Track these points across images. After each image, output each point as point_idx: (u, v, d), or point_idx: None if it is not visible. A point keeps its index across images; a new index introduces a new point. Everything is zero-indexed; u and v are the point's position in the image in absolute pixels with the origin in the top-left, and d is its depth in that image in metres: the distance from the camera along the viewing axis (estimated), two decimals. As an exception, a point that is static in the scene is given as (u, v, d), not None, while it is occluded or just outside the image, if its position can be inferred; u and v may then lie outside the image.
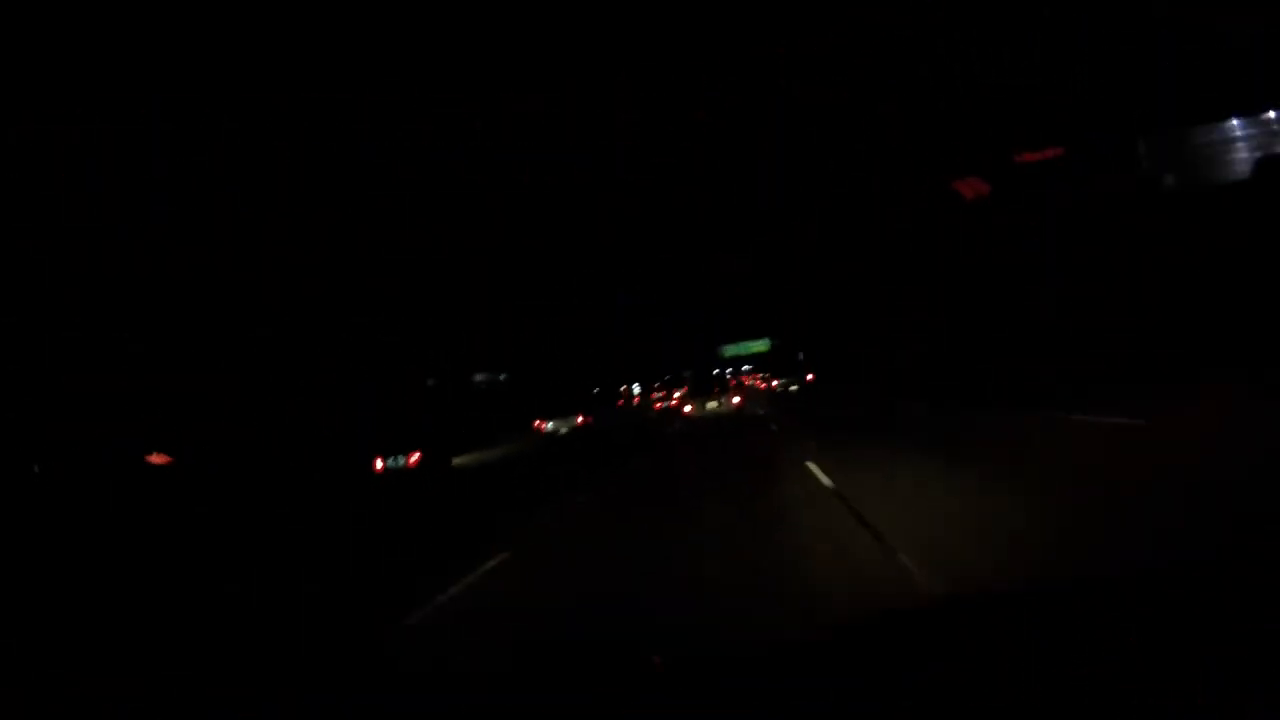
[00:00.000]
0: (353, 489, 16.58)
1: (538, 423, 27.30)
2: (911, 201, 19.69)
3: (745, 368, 66.21)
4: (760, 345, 49.71)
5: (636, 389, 60.06)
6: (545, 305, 35.77)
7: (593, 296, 39.04)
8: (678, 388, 32.85)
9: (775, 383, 43.49)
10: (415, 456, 17.15)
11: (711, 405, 22.79)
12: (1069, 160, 15.78)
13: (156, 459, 18.76)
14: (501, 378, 39.43)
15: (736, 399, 23.44)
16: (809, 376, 40.68)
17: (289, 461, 20.19)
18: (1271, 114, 14.35)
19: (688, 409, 23.67)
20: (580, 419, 27.44)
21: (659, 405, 27.48)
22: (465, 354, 34.87)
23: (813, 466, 8.45)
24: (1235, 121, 14.47)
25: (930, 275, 23.71)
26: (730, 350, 49.27)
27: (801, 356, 48.92)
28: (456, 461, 20.69)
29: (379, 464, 17.33)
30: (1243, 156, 14.69)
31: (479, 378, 37.59)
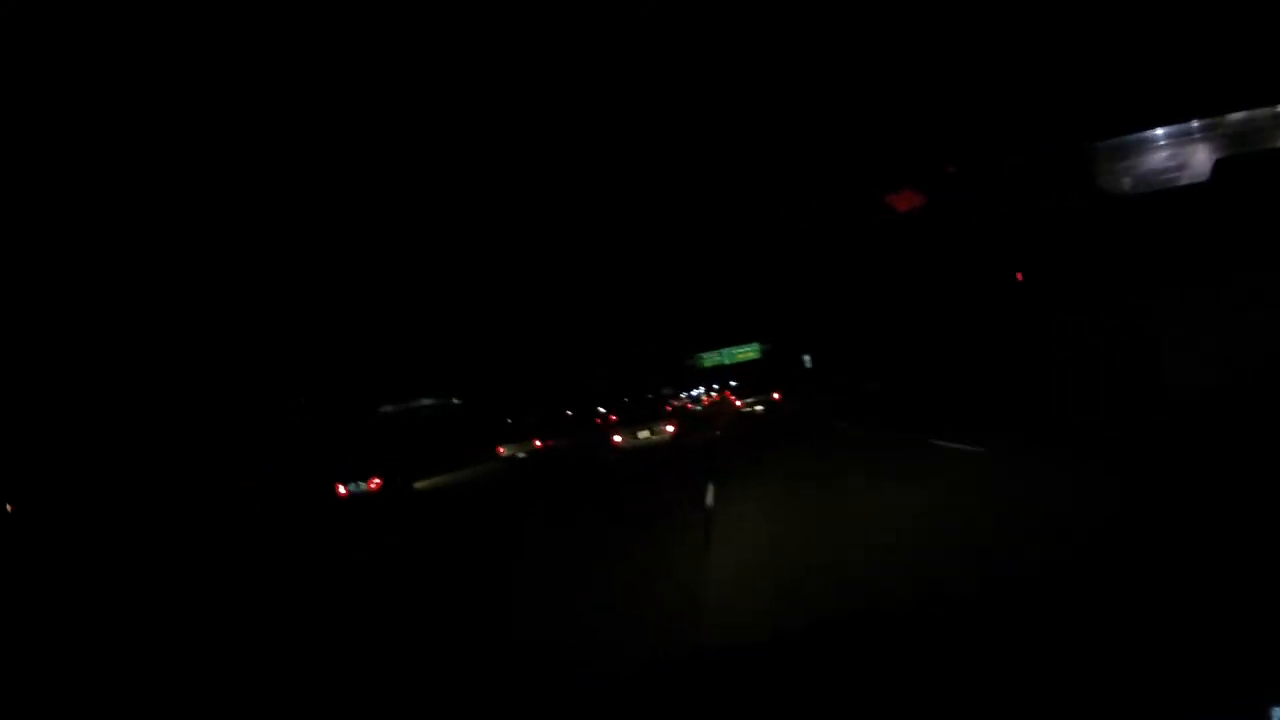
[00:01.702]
0: (319, 513, 16.97)
1: (500, 448, 28.18)
2: (846, 211, 19.98)
3: (732, 383, 55.62)
4: (749, 352, 43.57)
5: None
6: (518, 321, 36.00)
7: (573, 309, 38.67)
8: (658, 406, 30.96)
9: (740, 403, 37.27)
10: (376, 482, 17.49)
11: (644, 435, 21.21)
12: (1010, 170, 15.77)
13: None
14: (455, 401, 38.94)
15: (670, 427, 21.73)
16: (775, 395, 34.81)
17: (265, 487, 20.70)
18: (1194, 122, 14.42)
19: (617, 439, 21.65)
20: (538, 443, 28.02)
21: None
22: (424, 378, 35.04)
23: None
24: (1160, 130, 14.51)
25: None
26: (710, 360, 43.55)
27: (808, 361, 40.10)
28: (421, 485, 21.05)
29: (341, 489, 17.65)
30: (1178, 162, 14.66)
31: (425, 402, 37.31)
